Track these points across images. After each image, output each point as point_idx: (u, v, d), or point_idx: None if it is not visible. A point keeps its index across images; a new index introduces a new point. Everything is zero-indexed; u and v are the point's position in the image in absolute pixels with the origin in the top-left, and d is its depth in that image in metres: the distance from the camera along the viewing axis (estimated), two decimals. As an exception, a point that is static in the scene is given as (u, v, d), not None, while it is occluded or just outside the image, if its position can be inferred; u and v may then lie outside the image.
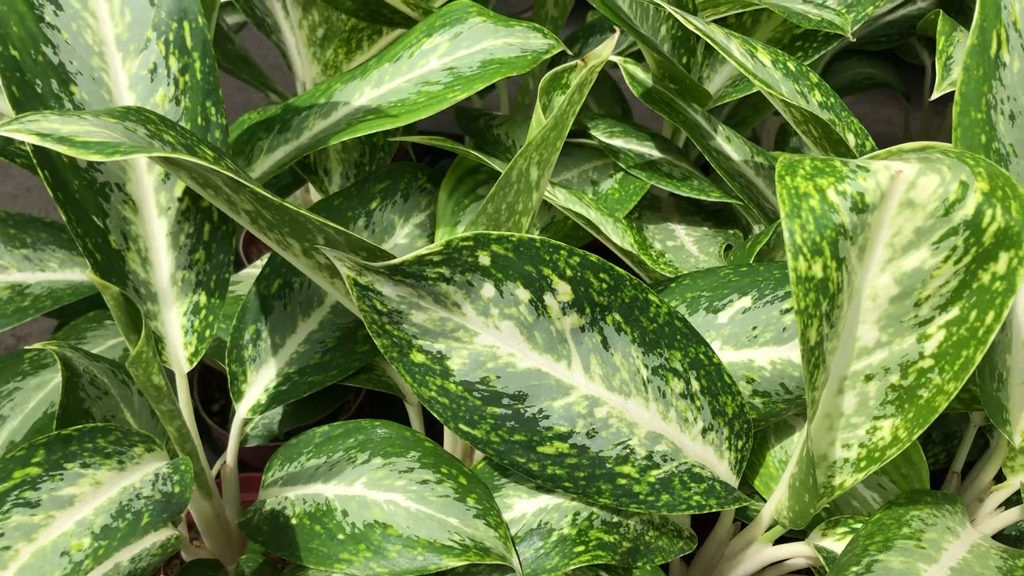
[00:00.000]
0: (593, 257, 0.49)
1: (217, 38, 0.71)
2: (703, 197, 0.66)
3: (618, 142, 0.73)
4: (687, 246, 0.67)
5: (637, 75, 0.69)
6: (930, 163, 0.42)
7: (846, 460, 0.49)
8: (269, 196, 0.39)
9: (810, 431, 0.46)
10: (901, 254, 0.43)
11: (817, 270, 0.41)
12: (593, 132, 0.73)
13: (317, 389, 0.54)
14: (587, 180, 0.69)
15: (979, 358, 0.43)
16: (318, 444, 0.53)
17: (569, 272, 0.48)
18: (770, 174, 0.70)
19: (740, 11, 0.76)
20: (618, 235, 0.65)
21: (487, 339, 0.48)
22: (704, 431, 0.52)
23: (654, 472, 0.50)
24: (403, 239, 0.61)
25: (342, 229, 0.41)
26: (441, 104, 0.56)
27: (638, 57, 0.78)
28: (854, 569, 0.45)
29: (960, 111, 0.46)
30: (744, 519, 0.57)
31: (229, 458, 0.56)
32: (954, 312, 0.44)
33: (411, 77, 0.59)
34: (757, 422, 0.54)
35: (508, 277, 0.47)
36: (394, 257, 0.43)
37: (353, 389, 0.72)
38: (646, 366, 0.51)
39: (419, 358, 0.47)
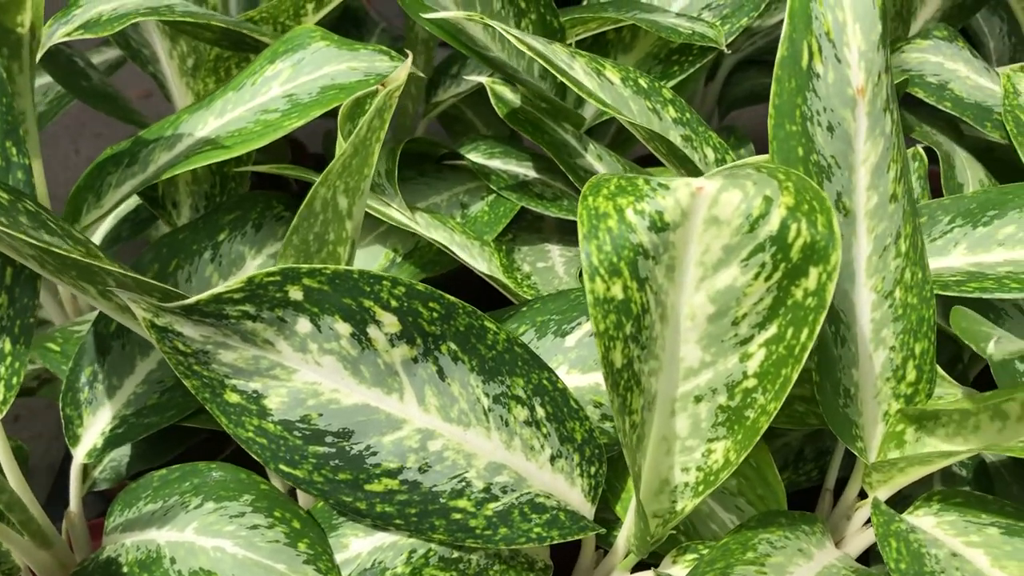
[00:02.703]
0: (420, 286, 0.47)
1: (73, 75, 0.70)
2: (571, 217, 0.65)
3: (496, 163, 0.72)
4: (557, 267, 0.66)
5: (504, 95, 0.67)
6: (735, 179, 0.41)
7: (686, 484, 0.47)
8: (38, 243, 0.38)
9: (634, 457, 0.44)
10: (713, 272, 0.42)
11: (617, 291, 0.40)
12: (468, 154, 0.71)
13: (154, 431, 0.53)
14: (457, 203, 0.68)
15: (795, 376, 0.42)
16: (156, 488, 0.52)
17: (394, 303, 0.47)
18: (644, 190, 0.69)
19: (619, 27, 0.75)
20: (484, 259, 0.64)
21: (308, 375, 0.46)
22: (553, 458, 0.50)
23: (492, 505, 0.48)
24: (254, 271, 0.59)
25: (129, 272, 0.40)
26: (277, 132, 0.54)
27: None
28: (683, 599, 0.43)
29: (775, 124, 0.44)
30: (607, 546, 0.55)
31: (72, 505, 0.55)
32: (772, 330, 0.43)
33: (252, 106, 0.57)
34: (610, 447, 0.52)
35: (325, 311, 0.45)
36: (187, 297, 0.42)
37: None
38: (487, 394, 0.49)
39: (233, 398, 0.45)
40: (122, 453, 0.58)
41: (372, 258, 0.62)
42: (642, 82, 0.59)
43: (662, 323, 0.43)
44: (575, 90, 0.52)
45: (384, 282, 0.46)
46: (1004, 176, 0.81)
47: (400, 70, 0.42)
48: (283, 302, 0.44)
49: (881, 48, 0.46)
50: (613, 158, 0.69)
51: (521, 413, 0.50)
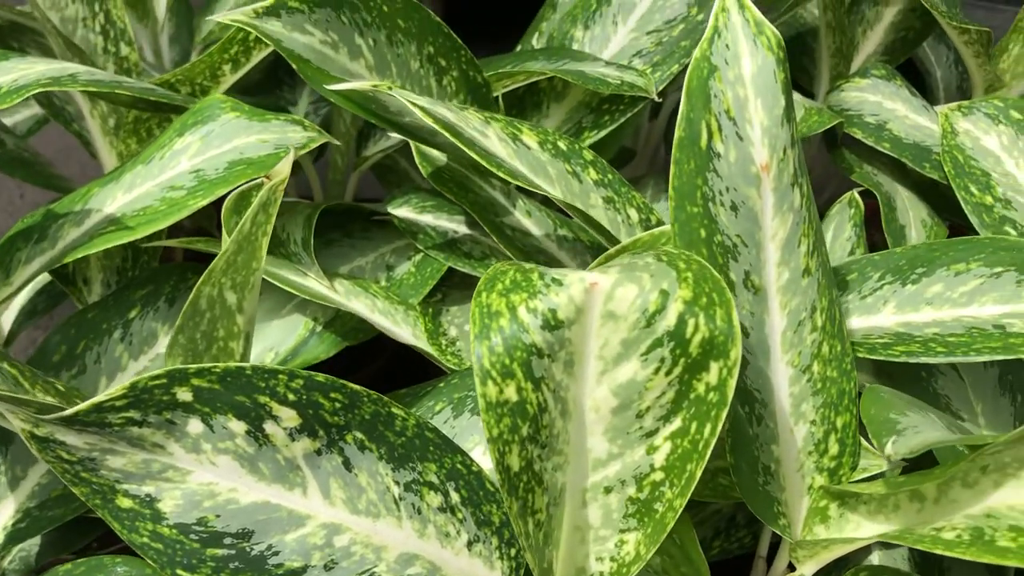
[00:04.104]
0: (320, 377, 0.46)
1: (-16, 141, 0.68)
2: (498, 278, 0.63)
3: (427, 218, 0.70)
4: (484, 330, 0.64)
5: (429, 154, 0.66)
6: (631, 271, 0.40)
7: (602, 573, 0.46)
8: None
9: (541, 554, 0.43)
10: (613, 366, 0.41)
11: (511, 393, 0.39)
12: (399, 209, 0.70)
13: (58, 524, 0.51)
14: (383, 265, 0.66)
15: (699, 473, 0.40)
16: (60, 585, 0.50)
17: (292, 396, 0.45)
18: (574, 247, 0.67)
19: (551, 75, 0.74)
20: (409, 324, 0.62)
21: (203, 476, 0.44)
22: (470, 544, 0.49)
23: (403, 599, 0.47)
24: (166, 348, 0.58)
25: (3, 389, 0.38)
26: (181, 211, 0.53)
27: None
28: None
29: (675, 206, 0.43)
30: (533, 627, 0.54)
31: (-23, 602, 0.53)
32: (677, 423, 0.41)
33: (160, 181, 0.56)
34: (532, 527, 0.51)
35: (217, 410, 0.44)
36: (65, 408, 0.40)
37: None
38: (397, 483, 0.48)
39: (126, 503, 0.43)
40: (32, 542, 0.56)
41: (291, 329, 0.60)
42: (561, 144, 0.58)
43: (564, 418, 0.41)
44: (483, 163, 0.50)
45: (280, 376, 0.44)
46: (950, 212, 0.80)
47: (283, 163, 0.41)
48: (171, 404, 0.43)
49: (786, 122, 0.44)
50: (543, 213, 0.68)
51: (434, 499, 0.48)
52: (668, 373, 0.40)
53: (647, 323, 0.39)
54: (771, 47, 0.44)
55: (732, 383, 0.39)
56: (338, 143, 0.59)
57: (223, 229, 0.42)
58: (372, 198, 0.85)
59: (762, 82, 0.44)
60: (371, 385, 0.88)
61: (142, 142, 0.71)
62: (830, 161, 0.83)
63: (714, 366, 0.39)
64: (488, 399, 0.38)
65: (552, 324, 0.39)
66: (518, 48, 0.81)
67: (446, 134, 0.50)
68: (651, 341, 0.40)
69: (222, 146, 0.56)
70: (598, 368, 0.41)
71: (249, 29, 0.50)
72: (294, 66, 0.51)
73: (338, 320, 0.62)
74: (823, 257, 0.47)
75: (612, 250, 0.52)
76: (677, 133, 0.43)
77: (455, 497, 0.48)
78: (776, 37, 0.44)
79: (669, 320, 0.39)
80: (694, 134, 0.43)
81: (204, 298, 0.41)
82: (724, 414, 0.39)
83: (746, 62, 0.44)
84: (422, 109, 0.51)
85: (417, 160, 0.65)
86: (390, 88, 0.52)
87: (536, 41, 0.81)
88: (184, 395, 0.43)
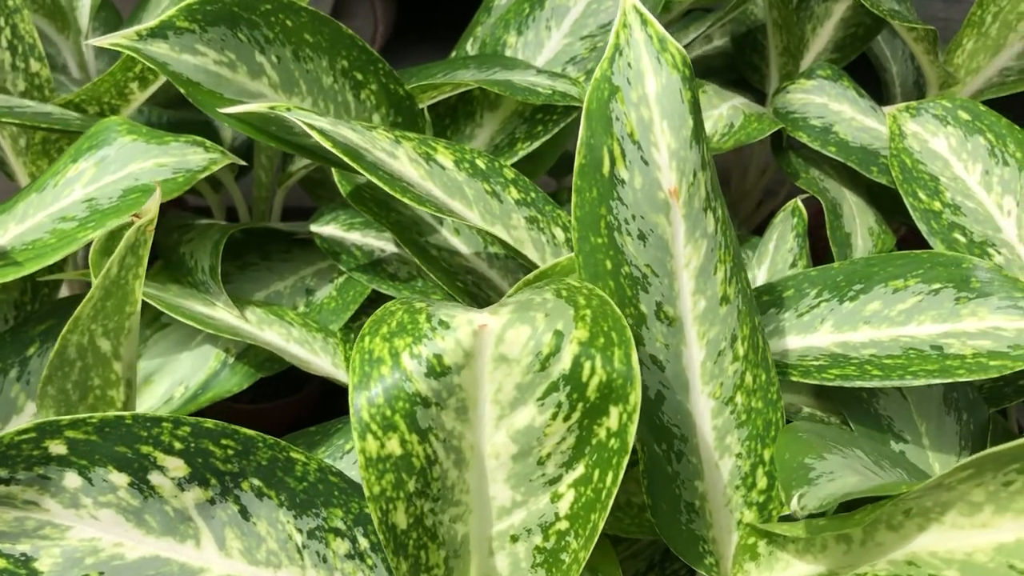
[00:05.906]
0: (209, 423, 0.43)
1: None
2: (423, 301, 0.61)
3: (355, 236, 0.67)
4: (410, 356, 0.62)
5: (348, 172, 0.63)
6: (525, 310, 0.37)
7: (514, 624, 0.43)
8: None
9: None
10: (510, 411, 0.38)
11: (394, 447, 0.36)
12: (326, 226, 0.67)
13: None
14: (302, 289, 0.64)
15: (602, 524, 0.38)
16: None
17: (179, 445, 0.42)
18: (506, 264, 0.65)
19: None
20: (327, 354, 0.59)
21: (84, 531, 0.42)
22: (381, 591, 0.46)
23: (304, 655, 0.44)
24: (37, 400, 0.55)
25: None
26: (72, 244, 0.50)
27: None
28: None
29: (579, 237, 0.40)
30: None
31: None
32: (579, 470, 0.39)
33: (53, 211, 0.53)
34: None
35: (95, 463, 0.41)
36: (-83, 470, 0.37)
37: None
38: (300, 530, 0.45)
39: (-2, 564, 0.41)
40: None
41: (202, 361, 0.57)
42: (480, 163, 0.55)
43: (460, 467, 0.39)
44: (386, 189, 0.47)
45: (164, 424, 0.42)
46: (902, 216, 0.77)
47: (151, 202, 0.38)
48: (43, 459, 0.40)
49: (695, 144, 0.41)
50: (474, 230, 0.65)
51: (341, 546, 0.46)
52: (567, 419, 0.37)
53: (541, 366, 0.37)
54: (676, 65, 0.41)
55: (633, 428, 0.37)
56: (243, 163, 0.56)
57: (91, 272, 0.39)
58: (306, 207, 0.82)
59: (668, 102, 0.41)
60: (317, 400, 0.85)
61: (54, 163, 0.68)
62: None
63: (614, 411, 0.37)
64: (368, 455, 0.35)
65: (438, 371, 0.36)
66: (452, 54, 0.79)
67: (346, 159, 0.47)
68: (547, 385, 0.37)
69: (117, 172, 0.53)
70: (495, 413, 0.38)
71: (131, 53, 0.47)
72: (182, 91, 0.48)
73: (252, 351, 0.59)
74: (743, 283, 0.45)
75: (531, 275, 0.50)
76: (577, 160, 0.40)
77: (364, 543, 0.46)
78: (681, 54, 0.41)
79: (564, 363, 0.36)
80: (596, 160, 0.40)
81: (72, 347, 0.38)
82: (625, 461, 0.37)
83: (650, 81, 0.41)
84: (320, 132, 0.48)
85: (336, 178, 0.62)
86: (288, 109, 0.50)
87: (471, 47, 0.78)
88: (58, 448, 0.40)
